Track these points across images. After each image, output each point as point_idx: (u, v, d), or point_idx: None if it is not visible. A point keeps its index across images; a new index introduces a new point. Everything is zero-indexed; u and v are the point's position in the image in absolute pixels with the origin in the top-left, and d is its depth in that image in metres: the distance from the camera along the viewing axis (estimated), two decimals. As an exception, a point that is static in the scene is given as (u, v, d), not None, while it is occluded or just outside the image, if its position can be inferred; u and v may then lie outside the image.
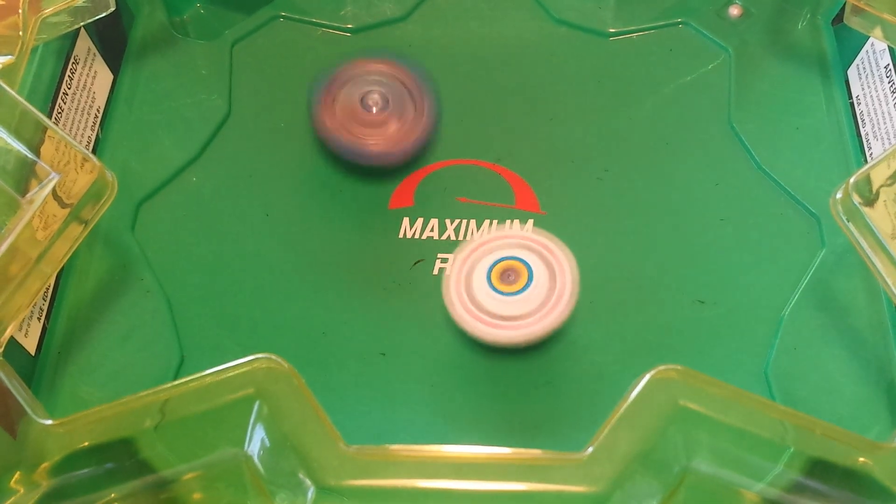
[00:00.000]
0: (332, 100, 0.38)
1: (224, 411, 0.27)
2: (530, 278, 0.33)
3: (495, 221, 0.38)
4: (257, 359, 0.27)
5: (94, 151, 0.40)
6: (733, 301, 0.36)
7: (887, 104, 0.38)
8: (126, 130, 0.41)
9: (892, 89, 0.38)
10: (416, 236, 0.38)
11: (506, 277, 0.33)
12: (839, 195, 0.31)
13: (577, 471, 0.26)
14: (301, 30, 0.44)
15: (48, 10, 0.36)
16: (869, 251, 0.31)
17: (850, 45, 0.41)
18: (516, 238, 0.34)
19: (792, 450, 0.27)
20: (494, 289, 0.33)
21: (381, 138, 0.37)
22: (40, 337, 0.35)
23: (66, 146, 0.32)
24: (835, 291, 0.36)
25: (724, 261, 0.37)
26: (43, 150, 0.32)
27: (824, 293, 0.36)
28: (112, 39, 0.42)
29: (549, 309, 0.32)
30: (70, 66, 0.39)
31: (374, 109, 0.37)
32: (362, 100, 0.38)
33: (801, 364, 0.34)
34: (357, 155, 0.38)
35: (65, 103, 0.38)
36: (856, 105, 0.40)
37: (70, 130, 0.38)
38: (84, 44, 0.40)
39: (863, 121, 0.39)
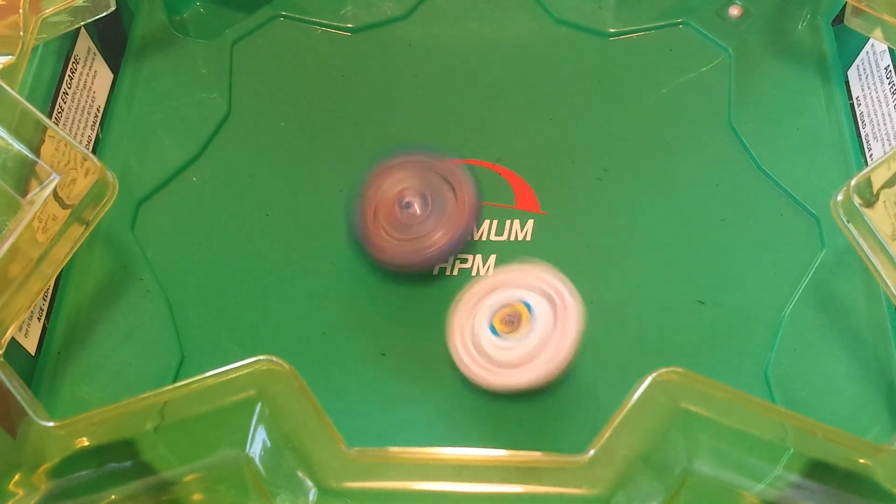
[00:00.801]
0: (372, 210, 0.36)
1: (225, 413, 0.27)
2: (532, 325, 0.32)
3: (496, 221, 0.38)
4: (258, 360, 0.27)
5: (93, 151, 0.40)
6: (733, 301, 0.36)
7: (887, 105, 0.38)
8: (126, 130, 0.41)
9: (892, 90, 0.38)
10: (417, 236, 0.38)
11: (508, 322, 0.32)
12: (840, 197, 0.31)
13: (578, 473, 0.26)
14: (301, 29, 0.44)
15: (48, 10, 0.36)
16: (869, 252, 0.31)
17: (850, 46, 0.41)
18: (528, 279, 0.33)
19: (792, 451, 0.27)
20: (496, 333, 0.32)
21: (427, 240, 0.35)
22: (40, 337, 0.35)
23: (66, 146, 0.32)
24: (835, 292, 0.36)
25: (724, 261, 0.37)
26: (43, 150, 0.32)
27: (824, 294, 0.36)
28: (112, 39, 0.42)
29: (550, 355, 0.32)
30: (70, 66, 0.39)
31: (415, 209, 0.35)
32: (400, 202, 0.35)
33: (801, 365, 0.34)
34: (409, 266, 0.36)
35: (65, 103, 0.38)
36: (856, 106, 0.40)
37: (70, 130, 0.38)
38: (84, 43, 0.40)
39: (863, 122, 0.39)
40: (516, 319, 0.32)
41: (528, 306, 0.32)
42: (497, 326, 0.32)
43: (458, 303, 0.33)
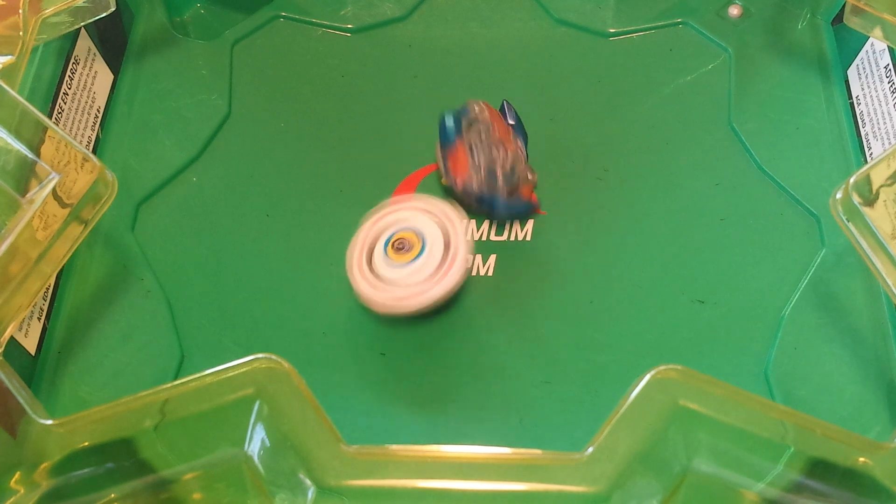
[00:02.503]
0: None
1: (224, 411, 0.27)
2: (423, 248, 0.34)
3: (488, 221, 0.38)
4: (257, 359, 0.27)
5: (94, 151, 0.40)
6: (733, 301, 0.36)
7: (887, 104, 0.38)
8: (126, 130, 0.41)
9: (891, 89, 0.38)
10: (416, 236, 0.38)
11: (399, 248, 0.34)
12: (839, 195, 0.31)
13: (578, 471, 0.26)
14: (301, 30, 0.45)
15: (48, 11, 0.36)
16: (869, 251, 0.31)
17: (850, 46, 0.41)
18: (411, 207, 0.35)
19: (792, 450, 0.27)
20: (391, 260, 0.34)
21: None
22: (40, 337, 0.35)
23: (66, 146, 0.32)
24: (835, 291, 0.36)
25: (724, 261, 0.37)
26: (43, 150, 0.32)
27: (824, 293, 0.36)
28: (112, 39, 0.42)
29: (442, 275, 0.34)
30: (70, 66, 0.39)
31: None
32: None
33: (801, 364, 0.34)
34: None
35: (65, 103, 0.38)
36: (856, 105, 0.40)
37: (70, 130, 0.38)
38: (84, 44, 0.40)
39: (863, 121, 0.39)
40: (406, 246, 0.34)
41: (422, 238, 0.34)
42: (388, 251, 0.34)
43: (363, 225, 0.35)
